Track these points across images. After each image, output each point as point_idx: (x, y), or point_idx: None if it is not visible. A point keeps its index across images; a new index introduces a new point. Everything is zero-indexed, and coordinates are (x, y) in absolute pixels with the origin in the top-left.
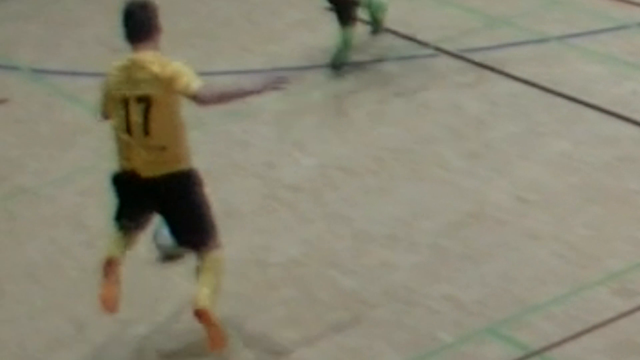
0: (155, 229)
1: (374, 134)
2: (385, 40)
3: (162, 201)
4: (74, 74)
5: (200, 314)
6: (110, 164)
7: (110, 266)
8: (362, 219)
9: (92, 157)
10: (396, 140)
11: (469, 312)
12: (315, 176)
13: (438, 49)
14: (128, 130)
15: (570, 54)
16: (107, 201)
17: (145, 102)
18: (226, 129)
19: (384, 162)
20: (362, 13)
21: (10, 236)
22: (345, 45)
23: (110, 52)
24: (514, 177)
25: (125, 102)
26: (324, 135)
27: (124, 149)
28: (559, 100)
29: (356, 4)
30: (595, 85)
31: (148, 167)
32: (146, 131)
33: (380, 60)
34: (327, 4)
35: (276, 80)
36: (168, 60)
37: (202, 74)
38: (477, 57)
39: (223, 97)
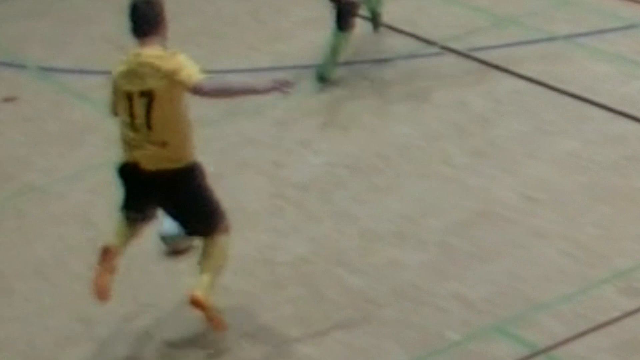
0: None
1: (380, 132)
2: (392, 38)
3: (165, 195)
4: (82, 72)
5: (195, 303)
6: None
7: (107, 254)
8: (369, 217)
9: (101, 154)
10: (403, 138)
11: (476, 311)
12: (323, 175)
13: (444, 47)
14: (132, 124)
15: (578, 53)
16: (116, 199)
17: (148, 96)
18: (234, 127)
19: (391, 160)
20: (361, 10)
21: (19, 234)
22: (334, 53)
23: (118, 49)
24: (522, 176)
25: (129, 97)
26: (331, 134)
27: (127, 142)
28: (566, 99)
29: (357, 9)
30: (603, 84)
31: (150, 160)
32: (148, 126)
33: (387, 59)
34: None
35: (282, 83)
36: (172, 53)
37: (208, 72)
38: (484, 55)
39: (223, 91)
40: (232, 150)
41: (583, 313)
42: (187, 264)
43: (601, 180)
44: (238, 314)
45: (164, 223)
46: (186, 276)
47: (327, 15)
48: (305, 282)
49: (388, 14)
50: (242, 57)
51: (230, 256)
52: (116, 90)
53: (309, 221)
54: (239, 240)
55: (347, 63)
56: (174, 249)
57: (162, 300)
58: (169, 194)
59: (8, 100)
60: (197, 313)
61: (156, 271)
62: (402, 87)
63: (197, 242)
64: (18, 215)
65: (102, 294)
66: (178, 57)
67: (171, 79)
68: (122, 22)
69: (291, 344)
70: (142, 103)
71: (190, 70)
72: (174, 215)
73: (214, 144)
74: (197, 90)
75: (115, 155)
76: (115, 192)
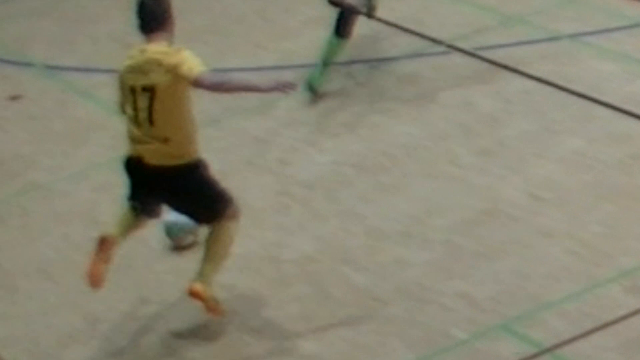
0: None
1: (387, 131)
2: (398, 37)
3: (168, 190)
4: (88, 70)
5: (194, 295)
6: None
7: (104, 243)
8: (375, 216)
9: (106, 153)
10: (410, 137)
11: (482, 309)
12: (329, 173)
13: (451, 46)
14: (136, 119)
15: (584, 52)
16: (121, 197)
17: (150, 91)
18: (240, 125)
19: (397, 159)
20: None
21: (24, 232)
22: (327, 62)
23: (124, 48)
24: (528, 175)
25: (133, 92)
26: (337, 133)
27: (132, 137)
28: (572, 98)
29: (357, 15)
30: (609, 83)
31: (153, 155)
32: (151, 121)
33: (393, 58)
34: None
35: (285, 84)
36: (177, 49)
37: (215, 70)
38: (491, 55)
39: (224, 85)
40: (238, 149)
41: (589, 312)
42: (191, 260)
43: (606, 179)
44: (243, 311)
45: (170, 214)
46: (190, 273)
47: (334, 14)
48: (311, 280)
49: (394, 13)
50: (249, 55)
51: (235, 252)
52: (122, 86)
53: (314, 219)
54: (244, 238)
55: (353, 62)
56: (178, 245)
57: (166, 297)
58: (172, 189)
59: (13, 98)
60: (197, 304)
61: (160, 268)
62: (408, 86)
63: (202, 237)
64: (22, 213)
65: (95, 282)
66: (182, 52)
67: (174, 73)
68: (128, 21)
69: (296, 341)
70: (144, 98)
71: (192, 63)
72: (179, 209)
73: (219, 142)
74: (198, 84)
75: (121, 153)
76: (120, 190)
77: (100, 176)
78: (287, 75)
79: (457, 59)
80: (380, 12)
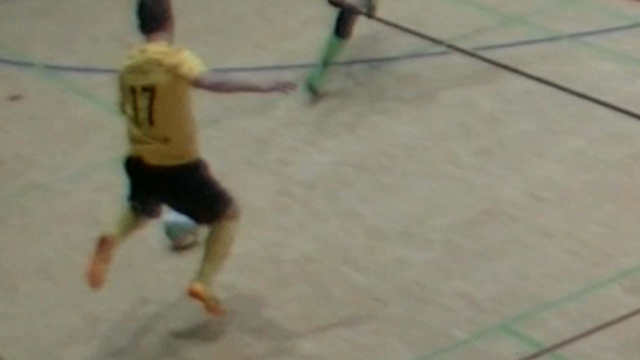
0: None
1: (387, 131)
2: (398, 37)
3: (168, 190)
4: (88, 70)
5: (193, 295)
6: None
7: (104, 244)
8: (375, 216)
9: (106, 153)
10: (410, 137)
11: (482, 309)
12: (329, 173)
13: (451, 46)
14: (136, 119)
15: (584, 52)
16: (121, 197)
17: (150, 91)
18: (240, 125)
19: (398, 160)
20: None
21: (24, 232)
22: (327, 62)
23: (124, 48)
24: (528, 175)
25: (133, 92)
26: (337, 133)
27: (132, 137)
28: (572, 98)
29: (357, 15)
30: (609, 83)
31: (153, 155)
32: (150, 121)
33: (393, 57)
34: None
35: (284, 84)
36: (177, 49)
37: (215, 70)
38: (491, 55)
39: (224, 85)
40: (238, 148)
41: (589, 312)
42: (191, 260)
43: (606, 179)
44: (243, 311)
45: (170, 214)
46: (190, 273)
47: (334, 14)
48: (311, 280)
49: (394, 13)
50: (249, 55)
51: (235, 252)
52: (122, 86)
53: (314, 219)
54: (244, 238)
55: (353, 62)
56: (178, 245)
57: (166, 297)
58: (172, 189)
59: (13, 98)
60: (197, 304)
61: (160, 268)
62: (408, 86)
63: (202, 237)
64: (23, 213)
65: (95, 282)
66: (182, 52)
67: (174, 73)
68: (128, 21)
69: (296, 341)
70: (144, 98)
71: (192, 63)
72: (179, 209)
73: (219, 142)
74: (198, 83)
75: (121, 153)
76: (120, 190)
77: (100, 176)
78: (287, 75)
79: (457, 59)
80: (380, 12)
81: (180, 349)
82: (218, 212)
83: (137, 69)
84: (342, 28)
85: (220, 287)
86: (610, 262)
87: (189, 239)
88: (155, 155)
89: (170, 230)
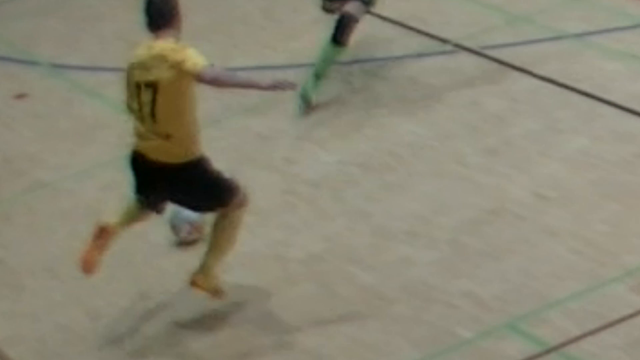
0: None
1: (393, 130)
2: (404, 36)
3: (170, 187)
4: (94, 69)
5: (194, 285)
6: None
7: (102, 233)
8: (381, 215)
9: (112, 151)
10: (416, 137)
11: (488, 308)
12: (335, 172)
13: (457, 45)
14: (140, 115)
15: (589, 52)
16: (127, 195)
17: (153, 87)
18: (245, 124)
19: (403, 159)
20: None
21: (30, 230)
22: (321, 71)
23: (130, 46)
24: (533, 174)
25: (137, 88)
26: (343, 132)
27: (136, 133)
28: (577, 97)
29: (356, 22)
30: (613, 82)
31: (155, 152)
32: (153, 117)
33: (399, 57)
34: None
35: (284, 83)
36: (183, 46)
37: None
38: (497, 54)
39: (224, 80)
40: (243, 147)
41: (594, 310)
42: (194, 256)
43: (611, 178)
44: (249, 310)
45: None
46: (193, 269)
47: (336, 16)
48: (317, 278)
49: (400, 12)
50: (255, 54)
51: (241, 251)
52: (129, 81)
53: (321, 218)
54: (250, 237)
55: (358, 61)
56: (183, 240)
57: (170, 293)
58: (173, 186)
59: (19, 97)
60: (200, 294)
61: (166, 266)
62: (414, 85)
63: (206, 233)
64: (28, 212)
65: (88, 269)
66: (188, 49)
67: (178, 69)
68: (134, 20)
69: (301, 339)
70: (148, 94)
71: (196, 59)
72: (182, 204)
73: (224, 141)
74: (200, 78)
75: (127, 152)
76: (126, 189)
77: (106, 175)
78: (294, 75)
79: (463, 58)
80: (386, 11)
81: (184, 344)
82: (223, 203)
83: (143, 65)
84: (339, 35)
85: (225, 285)
86: (615, 260)
87: (193, 235)
88: (156, 151)
89: (174, 219)
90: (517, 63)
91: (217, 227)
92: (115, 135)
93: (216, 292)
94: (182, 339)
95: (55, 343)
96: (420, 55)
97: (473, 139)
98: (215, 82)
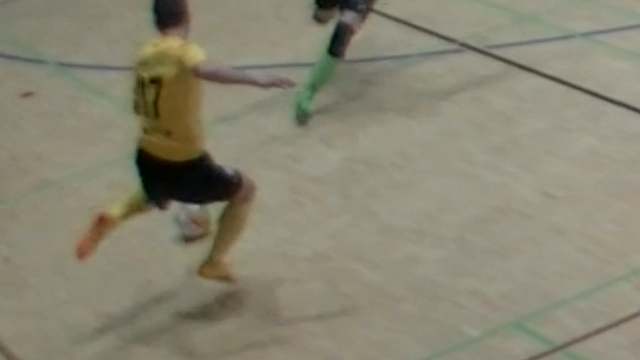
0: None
1: (399, 128)
2: (411, 36)
3: (172, 185)
4: (101, 67)
5: (202, 275)
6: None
7: (101, 222)
8: (387, 213)
9: (118, 150)
10: (422, 135)
11: (494, 307)
12: (341, 170)
13: (464, 44)
14: (145, 110)
15: (596, 51)
16: (133, 189)
17: (157, 83)
18: (251, 122)
19: (410, 157)
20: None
21: (36, 229)
22: (317, 84)
23: (136, 46)
24: (540, 173)
25: (142, 84)
26: (349, 130)
27: (142, 129)
28: (585, 96)
29: (352, 33)
30: (621, 81)
31: (156, 148)
32: (156, 113)
33: (405, 56)
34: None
35: (282, 80)
36: (186, 43)
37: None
38: (504, 53)
39: (219, 75)
40: (249, 145)
41: (601, 309)
42: (201, 253)
43: (619, 177)
44: (255, 309)
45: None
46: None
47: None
48: (323, 277)
49: (407, 11)
50: (263, 53)
51: (247, 249)
52: (135, 78)
53: (327, 216)
54: (256, 234)
55: (365, 60)
56: (188, 236)
57: (178, 294)
58: (175, 183)
59: (26, 95)
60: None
61: (172, 264)
62: (420, 84)
63: (212, 230)
64: (35, 210)
65: (82, 255)
66: (190, 46)
67: (181, 64)
68: (141, 18)
69: (309, 338)
70: (151, 90)
71: (195, 54)
72: (185, 201)
73: (231, 139)
74: (198, 72)
75: (133, 150)
76: (132, 188)
77: (112, 173)
78: (300, 73)
79: (470, 57)
80: (393, 11)
81: (192, 344)
82: (226, 199)
83: (147, 61)
84: (335, 47)
85: (231, 284)
86: (622, 260)
87: (199, 231)
88: (157, 147)
89: (180, 215)
90: (524, 62)
91: (222, 220)
92: (122, 134)
93: (225, 279)
94: (188, 338)
95: (61, 341)
96: (425, 54)
97: (480, 137)
98: (213, 76)
